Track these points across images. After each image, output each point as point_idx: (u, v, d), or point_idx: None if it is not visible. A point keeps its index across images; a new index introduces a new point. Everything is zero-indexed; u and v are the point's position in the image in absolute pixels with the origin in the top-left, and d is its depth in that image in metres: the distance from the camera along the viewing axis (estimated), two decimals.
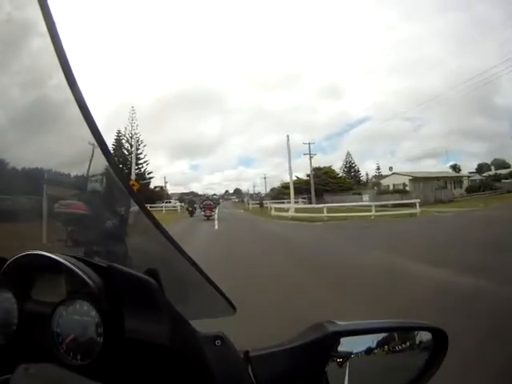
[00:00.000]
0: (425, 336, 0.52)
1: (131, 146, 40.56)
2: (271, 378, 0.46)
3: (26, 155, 0.60)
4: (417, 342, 0.51)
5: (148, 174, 43.60)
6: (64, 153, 0.60)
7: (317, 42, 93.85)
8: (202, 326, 0.49)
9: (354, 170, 50.07)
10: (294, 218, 17.11)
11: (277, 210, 21.44)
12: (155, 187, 46.77)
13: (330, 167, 46.27)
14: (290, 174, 27.92)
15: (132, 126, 42.51)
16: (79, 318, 0.43)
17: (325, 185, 41.48)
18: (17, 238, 0.65)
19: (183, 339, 0.44)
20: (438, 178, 30.58)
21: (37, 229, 0.65)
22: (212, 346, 0.46)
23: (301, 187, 41.59)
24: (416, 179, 30.10)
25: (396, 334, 0.51)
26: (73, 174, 0.61)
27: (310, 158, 36.32)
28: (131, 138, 41.41)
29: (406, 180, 31.00)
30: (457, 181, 32.04)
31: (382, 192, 31.29)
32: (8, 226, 0.66)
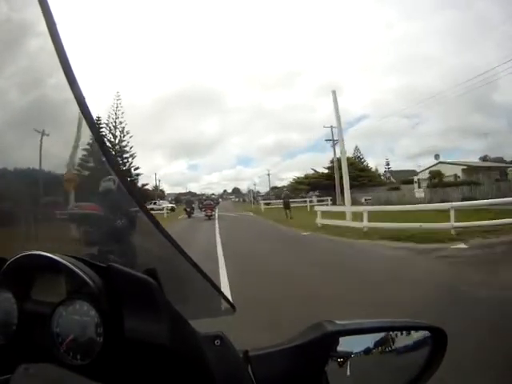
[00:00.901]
0: (424, 335, 0.52)
1: (114, 136, 34.59)
2: (271, 378, 0.46)
3: (27, 156, 0.60)
4: (416, 341, 0.51)
5: (135, 169, 36.45)
6: (64, 153, 0.60)
7: (315, 41, 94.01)
8: (202, 325, 0.49)
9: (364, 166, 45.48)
10: (379, 234, 7.86)
11: (325, 215, 11.50)
12: (143, 185, 39.57)
13: (354, 158, 38.77)
14: (343, 152, 15.29)
15: (116, 114, 35.73)
16: (79, 318, 0.43)
17: (353, 179, 33.28)
18: (18, 239, 0.65)
19: (183, 339, 0.44)
20: (490, 168, 25.46)
21: (37, 229, 0.65)
22: (211, 345, 0.46)
23: (319, 182, 34.60)
24: (474, 169, 24.26)
25: (395, 334, 0.51)
26: (72, 174, 0.61)
27: (334, 143, 27.81)
28: (115, 127, 35.06)
29: (457, 170, 25.20)
30: (502, 172, 26.39)
31: (441, 185, 23.74)
32: (9, 227, 0.66)
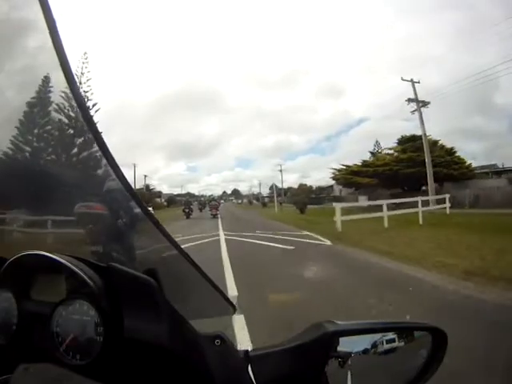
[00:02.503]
0: (424, 336, 0.52)
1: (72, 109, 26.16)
2: (271, 378, 0.46)
3: (25, 155, 0.60)
4: (416, 341, 0.51)
5: None
6: (63, 152, 0.60)
7: (316, 41, 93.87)
8: (202, 325, 0.49)
9: None
10: None
11: None
12: None
13: (433, 140, 22.46)
14: None
15: (80, 81, 27.41)
16: (79, 318, 0.43)
17: (447, 167, 20.52)
18: (19, 239, 0.65)
19: (183, 339, 0.44)
20: None
21: (42, 230, 0.65)
22: (212, 345, 0.46)
23: (392, 172, 21.38)
24: None
25: (395, 334, 0.51)
26: (72, 173, 0.61)
27: (419, 105, 18.33)
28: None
29: None
30: None
31: None
32: (9, 227, 0.66)
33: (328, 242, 7.78)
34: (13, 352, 0.44)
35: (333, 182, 36.50)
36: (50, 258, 0.46)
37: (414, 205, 11.31)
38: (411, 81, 19.05)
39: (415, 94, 18.98)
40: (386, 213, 10.07)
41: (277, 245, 7.41)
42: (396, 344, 0.50)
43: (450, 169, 20.85)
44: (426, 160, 18.46)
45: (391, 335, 0.50)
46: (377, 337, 0.49)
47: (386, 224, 9.77)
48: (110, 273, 0.44)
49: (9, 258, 0.49)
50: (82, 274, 0.44)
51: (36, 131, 0.64)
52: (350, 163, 27.83)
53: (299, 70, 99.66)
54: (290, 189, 46.90)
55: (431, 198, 14.46)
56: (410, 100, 19.39)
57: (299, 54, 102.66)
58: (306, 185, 40.13)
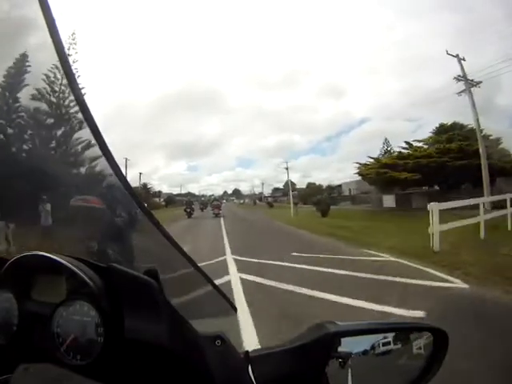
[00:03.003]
0: (425, 336, 0.51)
1: (53, 92, 22.13)
2: (271, 379, 0.46)
3: (26, 154, 0.60)
4: (417, 342, 0.51)
5: None
6: (63, 152, 0.60)
7: (317, 41, 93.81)
8: (202, 326, 0.49)
9: None
10: None
11: None
12: None
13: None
14: None
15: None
16: (79, 319, 0.43)
17: (499, 159, 17.50)
18: (19, 239, 0.64)
19: (183, 339, 0.44)
20: None
21: (39, 230, 0.65)
22: (212, 346, 0.46)
23: (441, 166, 17.21)
24: None
25: (396, 335, 0.50)
26: (72, 173, 0.61)
27: (468, 85, 15.68)
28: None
29: None
30: None
31: None
32: (9, 227, 0.66)
33: (456, 283, 3.94)
34: (13, 352, 0.44)
35: (341, 182, 35.82)
36: (51, 258, 0.46)
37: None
38: (457, 56, 15.78)
39: (463, 72, 15.66)
40: (482, 217, 7.04)
41: (380, 306, 3.09)
42: (397, 345, 0.50)
43: (502, 161, 17.16)
44: (481, 150, 14.22)
45: (392, 336, 0.50)
46: (378, 337, 0.49)
47: (482, 234, 6.78)
48: (110, 273, 0.44)
49: (9, 257, 0.49)
50: (82, 274, 0.44)
51: (34, 126, 0.64)
52: (350, 163, 25.52)
53: (300, 70, 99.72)
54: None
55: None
56: (458, 78, 15.84)
57: (300, 55, 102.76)
58: (314, 184, 37.07)
